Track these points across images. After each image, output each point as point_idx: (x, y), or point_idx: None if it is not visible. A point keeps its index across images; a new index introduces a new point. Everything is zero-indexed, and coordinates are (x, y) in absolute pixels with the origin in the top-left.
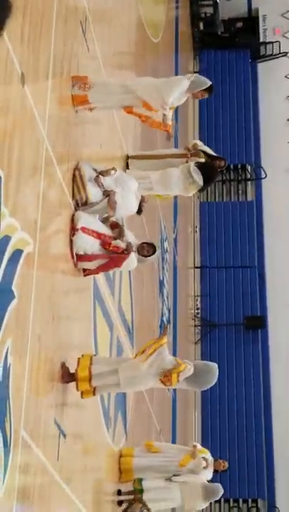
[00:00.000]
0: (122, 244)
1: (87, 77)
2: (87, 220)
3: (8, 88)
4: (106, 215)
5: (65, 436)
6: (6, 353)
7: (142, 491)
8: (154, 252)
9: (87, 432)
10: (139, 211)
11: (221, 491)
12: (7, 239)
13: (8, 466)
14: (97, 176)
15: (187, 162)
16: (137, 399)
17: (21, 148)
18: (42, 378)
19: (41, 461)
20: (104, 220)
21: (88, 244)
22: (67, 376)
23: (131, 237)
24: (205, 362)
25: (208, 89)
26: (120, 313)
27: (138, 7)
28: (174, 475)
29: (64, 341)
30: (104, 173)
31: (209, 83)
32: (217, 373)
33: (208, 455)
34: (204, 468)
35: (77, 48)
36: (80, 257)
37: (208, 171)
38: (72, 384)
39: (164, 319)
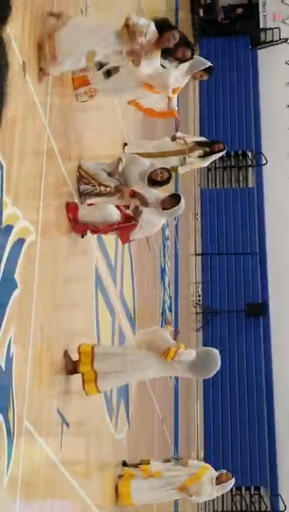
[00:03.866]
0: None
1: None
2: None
3: (9, 77)
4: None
5: (68, 425)
6: (9, 342)
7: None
8: (178, 203)
9: (89, 420)
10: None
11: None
12: (9, 228)
13: (11, 456)
14: (117, 186)
15: (185, 159)
16: (140, 387)
17: (23, 138)
18: (45, 367)
19: (44, 450)
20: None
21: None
22: (71, 365)
23: (154, 193)
24: (206, 349)
25: (208, 70)
26: (122, 301)
27: None
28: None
29: (67, 329)
30: (114, 170)
31: (208, 64)
32: (219, 360)
33: (209, 473)
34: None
35: None
36: (95, 231)
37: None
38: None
39: (166, 307)
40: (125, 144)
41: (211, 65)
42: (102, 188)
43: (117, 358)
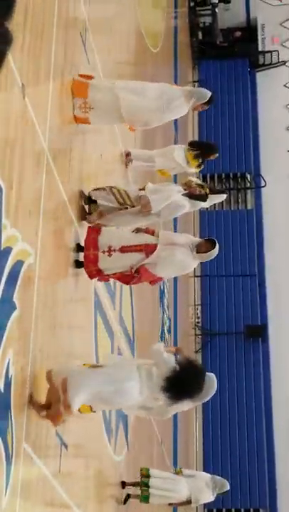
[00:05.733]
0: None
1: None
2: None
3: (8, 99)
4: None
5: (66, 447)
6: (8, 363)
7: (148, 476)
8: (213, 248)
9: (88, 442)
10: None
11: (227, 483)
12: (8, 250)
13: (10, 478)
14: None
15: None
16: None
17: (22, 160)
18: (43, 388)
19: (43, 472)
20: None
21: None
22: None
23: (189, 237)
24: None
25: (208, 101)
26: (121, 323)
27: (137, 17)
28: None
29: (65, 351)
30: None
31: (208, 96)
32: (216, 383)
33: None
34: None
35: (78, 58)
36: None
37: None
38: None
39: (165, 328)
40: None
41: (211, 97)
42: (116, 192)
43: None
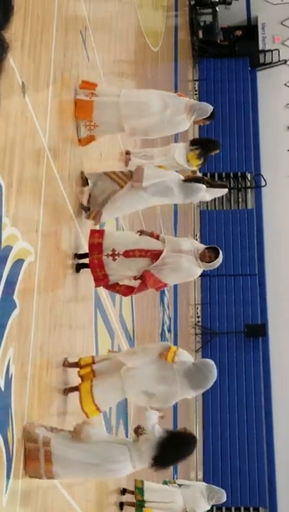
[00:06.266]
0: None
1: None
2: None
3: (8, 98)
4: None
5: None
6: (8, 362)
7: (142, 490)
8: (216, 257)
9: None
10: None
11: (224, 494)
12: (8, 249)
13: (10, 476)
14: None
15: None
16: (138, 407)
17: (22, 159)
18: (44, 387)
19: None
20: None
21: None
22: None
23: (194, 244)
24: (203, 359)
25: (209, 117)
26: (121, 322)
27: (138, 16)
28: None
29: (66, 350)
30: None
31: (210, 110)
32: (216, 371)
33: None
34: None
35: (78, 57)
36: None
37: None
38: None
39: (165, 327)
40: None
41: (212, 112)
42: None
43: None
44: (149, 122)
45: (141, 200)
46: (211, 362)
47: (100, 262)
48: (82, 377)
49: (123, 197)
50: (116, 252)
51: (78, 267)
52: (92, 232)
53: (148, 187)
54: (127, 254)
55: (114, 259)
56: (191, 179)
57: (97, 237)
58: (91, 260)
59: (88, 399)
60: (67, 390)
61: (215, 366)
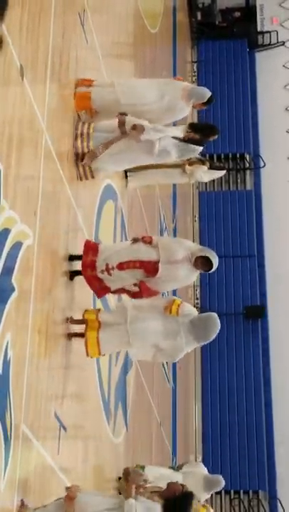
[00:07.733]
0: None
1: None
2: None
3: (7, 80)
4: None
5: (65, 429)
6: (6, 346)
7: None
8: (207, 269)
9: (87, 424)
10: None
11: (223, 482)
12: (7, 232)
13: (9, 460)
14: None
15: (184, 171)
16: (138, 390)
17: (20, 141)
18: (42, 371)
19: (42, 454)
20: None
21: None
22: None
23: (192, 247)
24: (207, 313)
25: (207, 101)
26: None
27: None
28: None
29: (65, 331)
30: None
31: (208, 95)
32: (219, 323)
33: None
34: None
35: (76, 39)
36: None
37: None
38: (74, 374)
39: None
40: (126, 172)
41: (210, 97)
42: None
43: (121, 312)
44: (148, 111)
45: (136, 154)
46: (215, 315)
47: (96, 277)
48: (86, 321)
49: (120, 146)
50: (110, 266)
51: (72, 275)
52: (87, 248)
53: (148, 144)
54: (121, 267)
55: (109, 274)
56: (188, 140)
57: (91, 255)
58: (87, 277)
59: (94, 347)
60: (72, 335)
61: (217, 318)
